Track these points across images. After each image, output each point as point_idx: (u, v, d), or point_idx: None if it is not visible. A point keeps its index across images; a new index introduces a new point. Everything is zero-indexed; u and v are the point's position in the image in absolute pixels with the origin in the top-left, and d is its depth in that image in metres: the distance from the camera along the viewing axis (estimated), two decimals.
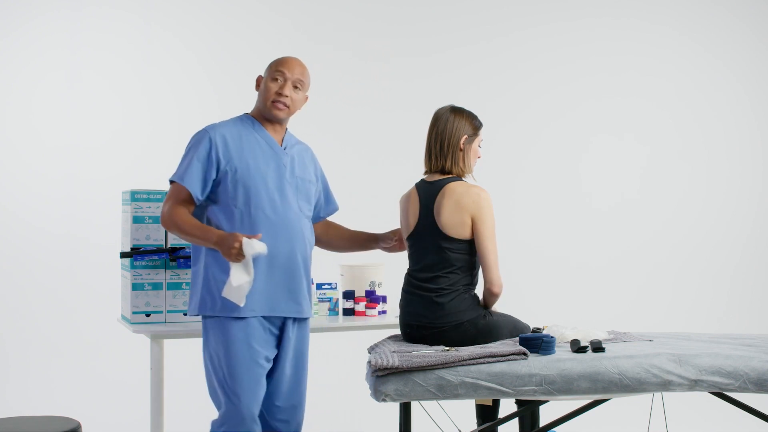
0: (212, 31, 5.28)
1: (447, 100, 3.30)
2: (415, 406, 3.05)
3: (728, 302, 6.06)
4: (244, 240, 2.67)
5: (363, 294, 3.70)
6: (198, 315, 2.91)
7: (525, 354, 2.84)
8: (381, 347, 3.08)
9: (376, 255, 3.52)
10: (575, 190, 5.90)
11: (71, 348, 4.91)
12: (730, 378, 2.85)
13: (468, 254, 3.08)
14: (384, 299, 3.69)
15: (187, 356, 4.49)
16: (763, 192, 6.22)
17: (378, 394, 2.77)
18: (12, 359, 4.86)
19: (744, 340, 3.24)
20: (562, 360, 2.84)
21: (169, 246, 3.39)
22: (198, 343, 3.71)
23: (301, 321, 3.00)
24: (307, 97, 3.06)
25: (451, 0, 5.74)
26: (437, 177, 3.15)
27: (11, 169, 4.93)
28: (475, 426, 3.35)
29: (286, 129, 3.06)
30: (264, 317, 2.88)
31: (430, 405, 3.26)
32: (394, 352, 2.93)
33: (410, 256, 3.20)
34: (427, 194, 3.12)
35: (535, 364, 2.81)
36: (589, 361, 2.84)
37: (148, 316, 3.34)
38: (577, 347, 2.95)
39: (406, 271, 3.22)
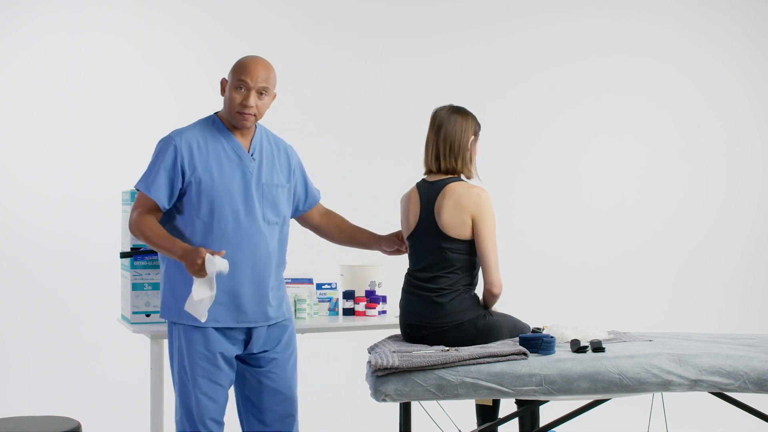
0: (212, 31, 5.28)
1: (447, 100, 3.30)
2: (415, 406, 3.05)
3: (728, 302, 6.06)
4: (207, 256, 2.64)
5: (363, 294, 3.70)
6: (163, 319, 2.94)
7: (525, 354, 2.85)
8: (381, 347, 3.08)
9: (376, 255, 3.52)
10: (575, 190, 5.90)
11: (71, 348, 4.91)
12: (730, 378, 2.85)
13: (468, 254, 3.08)
14: (384, 299, 3.69)
15: None
16: (763, 192, 6.22)
17: (378, 394, 2.78)
18: (12, 359, 4.86)
19: (744, 340, 3.24)
20: (562, 360, 2.84)
21: None
22: None
23: (272, 326, 2.96)
24: (275, 95, 2.98)
25: (451, 0, 5.74)
26: (438, 177, 3.15)
27: (11, 169, 4.93)
28: (475, 426, 3.35)
29: (256, 128, 2.99)
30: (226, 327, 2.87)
31: (430, 405, 3.26)
32: (394, 352, 2.93)
33: (410, 256, 3.21)
34: (428, 194, 3.12)
35: (535, 364, 2.81)
36: (589, 361, 2.84)
37: (148, 316, 3.34)
38: (577, 347, 2.96)
39: (406, 271, 3.22)
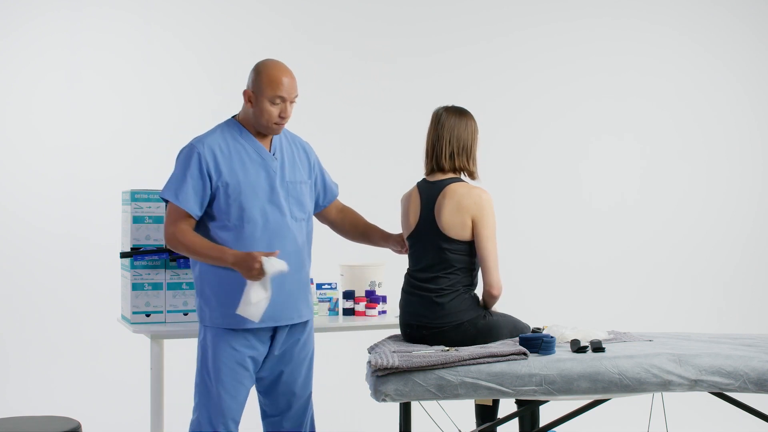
0: (212, 31, 5.28)
1: (447, 100, 3.30)
2: (415, 406, 3.05)
3: (728, 302, 6.06)
4: (264, 259, 2.69)
5: (363, 294, 3.70)
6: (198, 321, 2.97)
7: (525, 354, 2.85)
8: (381, 347, 3.08)
9: (376, 255, 3.52)
10: (575, 190, 5.90)
11: (71, 348, 4.91)
12: (730, 378, 2.85)
13: (468, 255, 3.08)
14: (384, 299, 3.69)
15: (187, 356, 4.49)
16: (763, 192, 6.22)
17: (378, 394, 2.78)
18: (12, 359, 4.86)
19: (744, 340, 3.24)
20: (562, 360, 2.84)
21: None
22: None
23: (295, 325, 3.00)
24: None
25: (451, 0, 5.74)
26: (439, 177, 3.15)
27: (11, 169, 4.93)
28: (475, 426, 3.35)
29: None
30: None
31: (430, 405, 3.26)
32: (394, 352, 2.93)
33: (410, 256, 3.21)
34: (429, 194, 3.12)
35: (535, 364, 2.81)
36: (589, 361, 2.84)
37: (148, 316, 3.34)
38: (577, 347, 2.96)
39: (406, 271, 3.22)
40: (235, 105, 3.11)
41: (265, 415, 3.08)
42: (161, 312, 3.36)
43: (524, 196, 5.75)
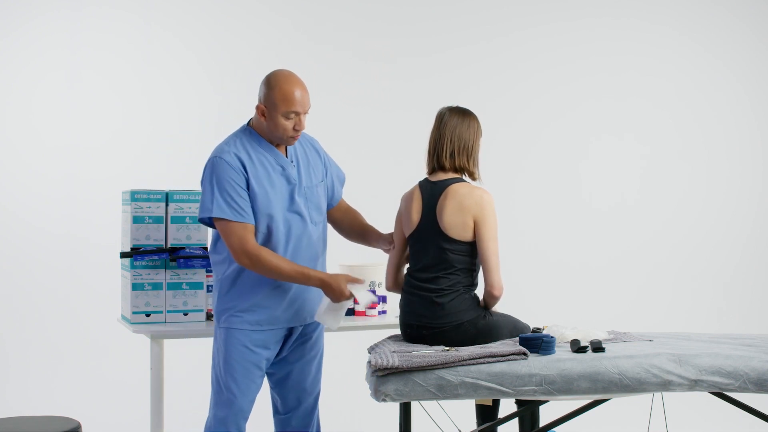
0: (212, 31, 5.28)
1: (447, 100, 3.30)
2: (415, 406, 3.05)
3: (728, 302, 6.06)
4: (354, 292, 2.86)
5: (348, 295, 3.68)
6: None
7: (525, 354, 2.85)
8: (381, 347, 3.08)
9: (376, 255, 3.52)
10: (575, 190, 5.90)
11: (71, 348, 4.91)
12: (730, 378, 2.85)
13: (469, 255, 3.08)
14: (384, 299, 3.68)
15: (187, 356, 4.50)
16: (763, 192, 6.22)
17: (378, 394, 2.78)
18: (12, 359, 4.86)
19: (744, 340, 3.24)
20: (562, 360, 2.84)
21: (169, 246, 3.39)
22: (198, 342, 3.71)
23: (307, 324, 3.06)
24: None
25: (451, 0, 5.74)
26: (441, 177, 3.14)
27: (11, 169, 4.93)
28: (475, 426, 3.35)
29: None
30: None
31: (430, 405, 3.26)
32: (394, 352, 2.93)
33: (411, 256, 3.20)
34: (430, 194, 3.12)
35: (535, 364, 2.81)
36: (589, 361, 2.84)
37: (148, 316, 3.34)
38: (577, 347, 2.95)
39: (406, 271, 3.22)
40: (235, 105, 3.12)
41: (276, 412, 3.12)
42: (161, 312, 3.36)
43: (524, 196, 5.75)
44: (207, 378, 3.08)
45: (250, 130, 2.95)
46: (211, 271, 3.44)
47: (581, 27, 5.93)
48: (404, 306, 3.17)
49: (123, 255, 3.39)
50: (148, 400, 3.19)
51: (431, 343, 3.06)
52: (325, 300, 2.89)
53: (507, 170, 5.66)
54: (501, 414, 3.23)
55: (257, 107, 2.89)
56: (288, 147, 2.99)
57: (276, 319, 2.92)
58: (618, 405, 3.46)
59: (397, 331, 3.32)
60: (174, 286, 3.38)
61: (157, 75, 5.16)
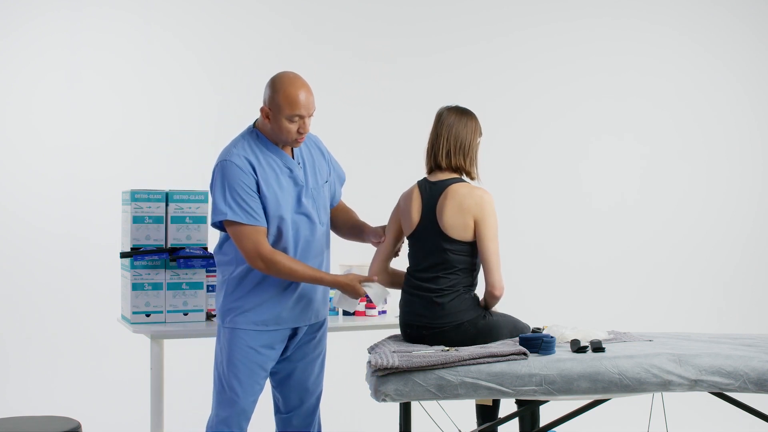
0: (212, 31, 5.28)
1: (447, 100, 3.29)
2: (415, 406, 3.05)
3: (728, 302, 6.06)
4: (367, 290, 2.93)
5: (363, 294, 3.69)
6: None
7: (525, 354, 2.85)
8: (381, 347, 3.08)
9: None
10: (575, 190, 5.90)
11: (71, 348, 4.91)
12: (730, 378, 2.85)
13: (469, 256, 3.08)
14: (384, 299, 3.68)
15: (187, 356, 4.51)
16: (763, 192, 6.22)
17: (378, 394, 2.78)
18: (12, 359, 4.86)
19: (744, 340, 3.24)
20: (562, 360, 2.84)
21: (169, 246, 3.39)
22: (198, 342, 3.71)
23: (312, 324, 3.06)
24: None
25: (451, 0, 5.74)
26: (440, 177, 3.14)
27: (11, 169, 4.93)
28: (475, 426, 3.35)
29: None
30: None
31: (430, 405, 3.26)
32: (394, 352, 2.93)
33: (411, 256, 3.20)
34: (430, 195, 3.12)
35: (535, 364, 2.81)
36: (589, 361, 2.84)
37: (148, 316, 3.34)
38: (577, 347, 2.95)
39: (406, 271, 3.22)
40: (235, 105, 3.12)
41: (277, 411, 3.13)
42: (161, 312, 3.36)
43: (524, 196, 5.75)
44: (207, 378, 3.08)
45: (256, 132, 2.94)
46: (211, 272, 3.44)
47: (581, 27, 5.93)
48: (404, 306, 3.17)
49: (123, 255, 3.39)
50: (148, 400, 3.19)
51: (431, 343, 3.06)
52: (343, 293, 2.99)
53: (507, 170, 5.66)
54: (501, 414, 3.23)
55: (261, 109, 2.88)
56: (294, 148, 2.99)
57: (281, 319, 2.92)
58: (618, 405, 3.46)
59: (397, 331, 3.32)
60: (174, 286, 3.38)
61: (157, 75, 5.16)
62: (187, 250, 3.37)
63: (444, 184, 3.11)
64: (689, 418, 4.62)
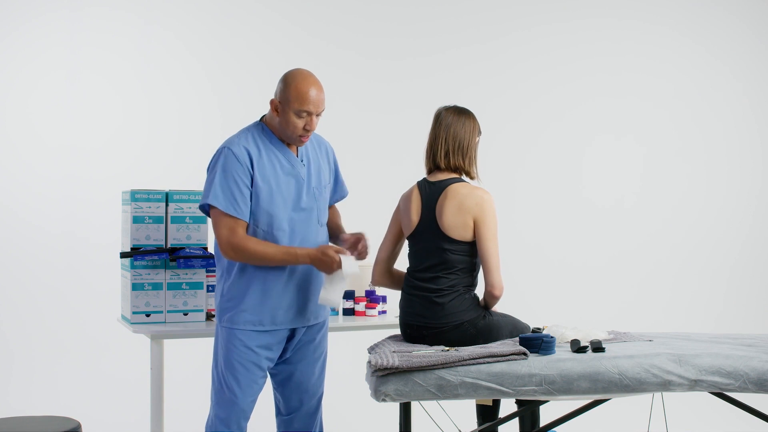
0: (212, 31, 5.28)
1: (447, 100, 3.30)
2: (415, 406, 3.05)
3: (727, 302, 6.06)
4: (342, 258, 2.80)
5: (363, 294, 3.70)
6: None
7: (525, 354, 2.85)
8: (381, 347, 3.08)
9: (373, 255, 3.51)
10: (575, 190, 5.90)
11: (71, 348, 4.91)
12: (730, 378, 2.86)
13: (469, 256, 3.08)
14: (384, 299, 3.69)
15: (187, 356, 4.51)
16: (762, 192, 6.22)
17: (378, 394, 2.78)
18: (12, 359, 4.86)
19: (744, 340, 3.25)
20: (562, 360, 2.84)
21: (169, 246, 3.39)
22: (198, 342, 3.71)
23: (312, 325, 3.05)
24: None
25: (451, 0, 5.74)
26: (440, 177, 3.14)
27: (11, 169, 4.93)
28: (475, 426, 3.35)
29: None
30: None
31: (430, 405, 3.26)
32: (394, 352, 2.93)
33: (411, 256, 3.20)
34: (430, 195, 3.12)
35: (535, 364, 2.81)
36: (589, 361, 2.84)
37: (148, 316, 3.34)
38: (577, 347, 2.96)
39: (406, 271, 3.22)
40: (235, 105, 3.12)
41: (278, 412, 3.12)
42: (161, 312, 3.36)
43: (524, 196, 5.75)
44: (207, 378, 3.08)
45: (262, 125, 2.95)
46: (211, 272, 3.44)
47: (581, 27, 5.94)
48: (404, 306, 3.17)
49: (123, 255, 3.39)
50: (148, 400, 3.19)
51: (431, 343, 3.07)
52: (323, 283, 2.89)
53: (507, 170, 5.66)
54: (501, 414, 3.23)
55: (271, 101, 2.90)
56: (299, 147, 2.98)
57: (278, 320, 2.92)
58: (618, 405, 3.46)
59: (397, 331, 3.32)
60: (174, 286, 3.38)
61: (157, 75, 5.16)
62: (187, 250, 3.37)
63: (443, 185, 3.11)
64: (689, 418, 4.62)
